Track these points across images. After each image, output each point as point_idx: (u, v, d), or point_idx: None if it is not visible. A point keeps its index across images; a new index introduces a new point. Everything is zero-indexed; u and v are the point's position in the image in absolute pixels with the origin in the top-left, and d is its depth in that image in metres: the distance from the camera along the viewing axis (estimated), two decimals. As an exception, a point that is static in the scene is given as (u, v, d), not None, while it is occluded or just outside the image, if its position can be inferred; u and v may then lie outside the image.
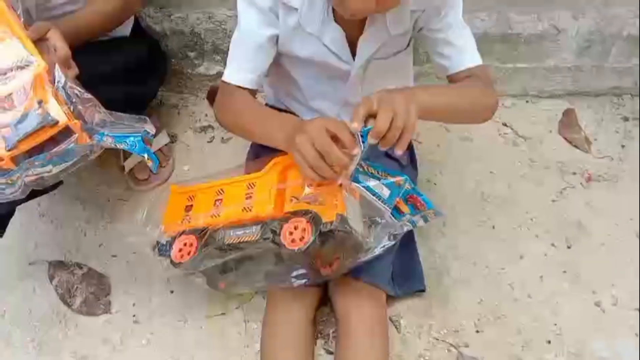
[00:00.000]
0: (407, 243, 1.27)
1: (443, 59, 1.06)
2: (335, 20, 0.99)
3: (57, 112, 0.86)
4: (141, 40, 1.34)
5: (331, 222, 0.88)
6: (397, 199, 1.00)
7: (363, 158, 0.91)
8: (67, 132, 0.89)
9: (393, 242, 0.99)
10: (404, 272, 1.24)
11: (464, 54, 1.05)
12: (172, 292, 1.23)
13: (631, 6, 1.49)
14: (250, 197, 0.96)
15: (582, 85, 1.64)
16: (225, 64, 1.05)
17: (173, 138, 1.48)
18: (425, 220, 1.05)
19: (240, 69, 1.04)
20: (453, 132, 1.55)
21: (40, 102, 0.86)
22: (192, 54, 1.52)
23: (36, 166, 0.89)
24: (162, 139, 1.43)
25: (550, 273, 1.29)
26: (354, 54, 1.04)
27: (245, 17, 1.01)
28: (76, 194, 1.36)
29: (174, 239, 0.98)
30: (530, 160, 1.50)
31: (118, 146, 0.93)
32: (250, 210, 0.94)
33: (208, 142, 1.49)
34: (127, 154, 1.39)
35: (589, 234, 1.36)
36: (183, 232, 0.98)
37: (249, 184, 0.98)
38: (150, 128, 0.97)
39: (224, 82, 1.05)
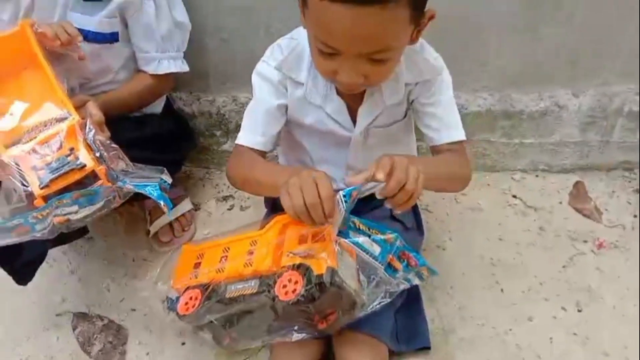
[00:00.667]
0: (412, 301, 1.30)
1: (430, 131, 1.15)
2: (338, 93, 1.10)
3: (86, 158, 1.01)
4: (171, 118, 1.51)
5: (321, 275, 0.92)
6: (390, 256, 1.04)
7: (349, 212, 0.98)
8: (93, 176, 1.02)
9: (389, 300, 1.02)
10: (408, 329, 1.25)
11: (450, 129, 1.14)
12: (183, 343, 1.28)
13: (630, 84, 1.58)
14: (252, 253, 1.03)
15: (592, 159, 1.69)
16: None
17: (196, 206, 1.60)
18: (420, 278, 1.08)
19: (252, 132, 1.14)
20: (462, 202, 1.61)
21: (72, 149, 1.01)
22: (218, 133, 1.67)
23: (64, 205, 1.01)
24: (186, 206, 1.55)
25: (560, 335, 1.28)
26: (355, 122, 1.15)
27: (259, 89, 1.14)
28: (104, 255, 1.47)
29: (181, 293, 1.06)
30: (540, 229, 1.53)
31: (138, 191, 1.04)
32: (250, 265, 1.00)
33: (228, 209, 1.60)
34: (153, 218, 1.51)
35: (600, 298, 1.35)
36: (189, 287, 1.05)
37: (252, 242, 1.05)
38: (167, 178, 1.10)
39: (237, 144, 1.16)
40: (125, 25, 1.29)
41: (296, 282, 0.94)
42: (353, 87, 1.00)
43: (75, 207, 1.02)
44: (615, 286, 1.37)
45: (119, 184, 1.03)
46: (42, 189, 0.97)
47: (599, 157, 1.68)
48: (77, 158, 1.00)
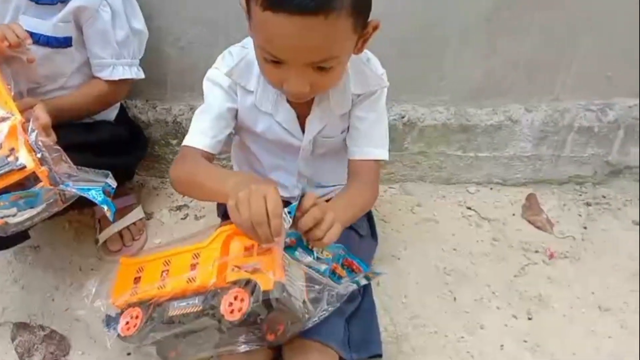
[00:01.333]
0: (365, 309, 1.28)
1: (350, 141, 1.17)
2: (287, 101, 1.10)
3: (26, 159, 0.97)
4: (124, 125, 1.48)
5: (268, 291, 0.89)
6: (334, 265, 1.04)
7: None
8: (34, 178, 0.99)
9: (337, 304, 1.01)
10: (360, 337, 1.23)
11: (370, 146, 1.16)
12: (129, 354, 1.24)
13: (580, 100, 1.63)
14: (195, 267, 0.99)
15: (544, 173, 1.72)
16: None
17: (149, 215, 1.57)
18: (368, 280, 1.08)
19: (201, 134, 1.12)
20: (418, 213, 1.62)
21: (12, 150, 0.97)
22: (174, 142, 1.65)
23: (1, 207, 0.98)
24: (137, 214, 1.51)
25: (510, 342, 1.28)
26: (304, 130, 1.15)
27: (209, 93, 1.14)
28: (50, 262, 1.42)
29: (121, 311, 1.02)
30: (493, 240, 1.55)
31: (81, 194, 1.01)
32: (194, 280, 0.96)
33: (182, 219, 1.58)
34: (102, 227, 1.47)
35: (550, 307, 1.37)
36: (129, 305, 1.01)
37: (194, 254, 1.01)
38: (112, 182, 1.07)
39: (184, 146, 1.13)
40: (80, 30, 1.27)
41: (242, 300, 0.90)
42: (300, 95, 1.00)
43: (13, 210, 0.99)
44: (565, 295, 1.39)
45: (61, 186, 1.00)
46: None
47: (551, 171, 1.72)
48: (17, 159, 0.97)
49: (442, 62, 1.53)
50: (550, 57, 1.53)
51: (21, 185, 0.98)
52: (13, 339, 1.25)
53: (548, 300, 1.38)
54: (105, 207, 1.02)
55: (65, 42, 1.26)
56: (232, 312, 0.90)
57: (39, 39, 1.22)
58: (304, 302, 0.95)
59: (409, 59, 1.49)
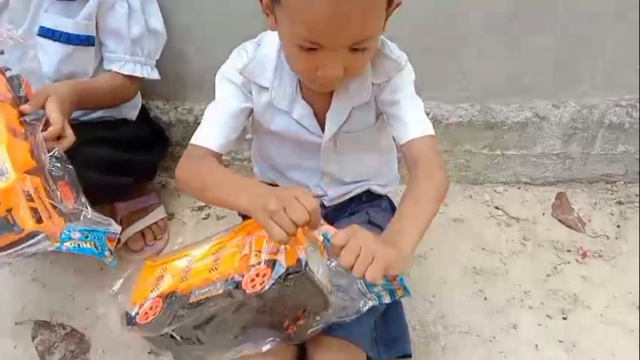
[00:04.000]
0: (393, 308, 1.24)
1: (395, 130, 1.10)
2: (303, 98, 1.07)
3: (24, 221, 0.90)
4: (145, 124, 1.47)
5: (291, 266, 0.85)
6: None
7: None
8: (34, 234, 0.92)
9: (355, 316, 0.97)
10: (388, 337, 1.19)
11: (409, 126, 1.07)
12: (149, 352, 1.21)
13: (610, 96, 1.58)
14: (218, 258, 0.96)
15: (574, 172, 1.67)
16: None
17: (170, 216, 1.55)
18: (392, 297, 1.01)
19: (211, 133, 1.08)
20: (445, 213, 1.57)
21: (9, 210, 0.90)
22: (195, 142, 1.63)
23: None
24: (159, 213, 1.50)
25: (545, 342, 1.24)
26: (323, 127, 1.11)
27: (221, 89, 1.10)
28: (71, 261, 1.40)
29: (141, 307, 0.97)
30: (523, 239, 1.50)
31: (82, 245, 0.97)
32: (216, 269, 0.93)
33: (203, 219, 1.55)
34: (125, 226, 1.45)
35: (585, 306, 1.32)
36: (149, 299, 0.96)
37: (219, 248, 0.99)
38: (116, 228, 1.02)
39: (192, 144, 1.08)
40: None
41: (264, 275, 0.87)
42: (334, 80, 0.96)
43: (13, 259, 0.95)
44: (600, 294, 1.34)
45: (65, 232, 0.95)
46: None
47: (581, 169, 1.67)
48: (14, 221, 0.90)
49: (466, 57, 1.50)
50: (577, 51, 1.49)
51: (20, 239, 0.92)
52: (34, 337, 1.23)
53: (583, 300, 1.33)
54: (107, 253, 0.99)
55: (87, 41, 1.26)
56: (253, 286, 0.87)
57: (60, 37, 1.22)
58: (326, 288, 0.91)
59: (431, 54, 1.46)
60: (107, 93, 1.29)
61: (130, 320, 0.99)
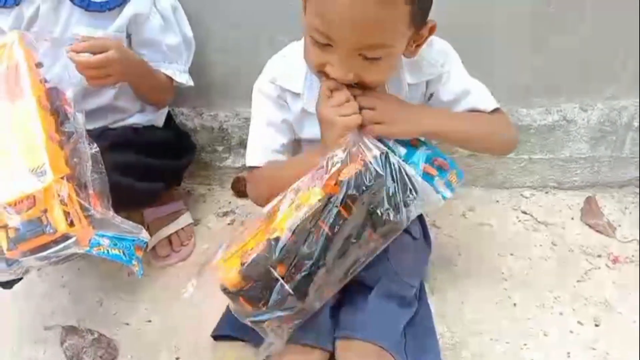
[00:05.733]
0: (422, 317, 1.24)
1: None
2: None
3: (57, 223, 0.92)
4: (171, 130, 1.48)
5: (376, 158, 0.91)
6: (423, 165, 1.01)
7: None
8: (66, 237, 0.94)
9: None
10: (418, 345, 1.18)
11: (478, 104, 1.12)
12: (177, 358, 1.21)
13: (637, 99, 1.55)
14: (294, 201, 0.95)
15: (603, 176, 1.64)
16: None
17: (196, 222, 1.55)
18: (451, 189, 1.04)
19: (264, 150, 1.12)
20: (470, 218, 1.56)
21: (44, 211, 0.92)
22: (220, 148, 1.64)
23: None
24: (186, 219, 1.50)
25: (577, 350, 1.20)
26: None
27: (260, 105, 1.13)
28: (98, 269, 1.41)
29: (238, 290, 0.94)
30: (552, 244, 1.47)
31: (111, 251, 1.00)
32: (299, 200, 0.93)
33: (228, 224, 1.56)
34: (151, 232, 1.46)
35: (618, 313, 1.28)
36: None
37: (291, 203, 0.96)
38: (145, 236, 1.06)
39: (251, 167, 1.12)
40: (130, 41, 1.28)
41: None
42: (342, 82, 0.97)
43: (43, 263, 0.97)
44: (633, 300, 1.30)
45: (94, 238, 0.98)
46: (8, 251, 0.92)
47: (609, 173, 1.63)
48: (48, 222, 0.92)
49: (489, 59, 1.47)
50: (604, 52, 1.46)
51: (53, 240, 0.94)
52: (62, 343, 1.23)
53: (615, 306, 1.29)
54: (134, 262, 1.03)
55: None
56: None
57: None
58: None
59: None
60: (152, 82, 1.30)
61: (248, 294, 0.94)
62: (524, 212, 1.58)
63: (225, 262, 0.96)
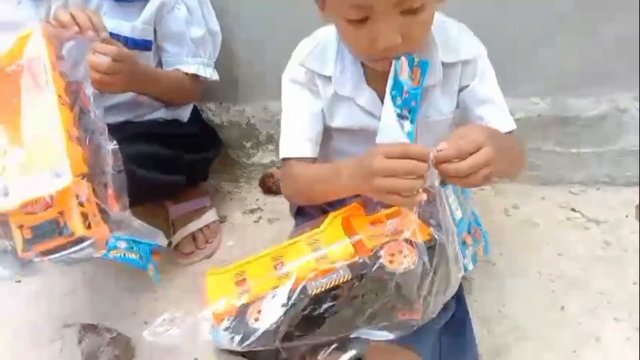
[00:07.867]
0: (460, 320, 1.13)
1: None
2: (368, 83, 1.01)
3: (74, 225, 0.89)
4: (197, 124, 1.43)
5: (431, 239, 0.82)
6: (465, 234, 0.95)
7: None
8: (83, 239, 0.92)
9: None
10: (454, 350, 1.08)
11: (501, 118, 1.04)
12: (196, 359, 1.15)
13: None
14: (319, 249, 0.90)
15: (659, 170, 1.51)
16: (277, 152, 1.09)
17: (222, 219, 1.50)
18: (474, 263, 0.97)
19: (296, 140, 1.06)
20: (514, 216, 1.45)
21: (61, 213, 0.89)
22: (248, 144, 1.59)
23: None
24: (211, 216, 1.45)
25: (634, 358, 1.08)
26: None
27: (290, 93, 1.07)
28: (120, 266, 1.33)
29: (235, 315, 0.90)
30: (605, 243, 1.35)
31: (127, 255, 0.98)
32: (326, 258, 0.87)
33: (255, 221, 1.50)
34: (176, 229, 1.41)
35: (681, 319, 1.15)
36: (244, 306, 0.89)
37: (312, 240, 0.92)
38: (163, 241, 1.04)
39: (284, 159, 1.07)
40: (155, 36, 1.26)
41: (406, 254, 0.83)
42: (392, 50, 0.89)
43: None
44: (698, 305, 1.17)
45: (111, 240, 0.95)
46: (23, 252, 0.90)
47: (667, 168, 1.50)
48: (65, 223, 0.89)
49: (535, 46, 1.38)
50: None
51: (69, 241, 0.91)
52: (80, 341, 1.19)
53: (676, 311, 1.17)
54: (150, 266, 1.01)
55: (144, 45, 1.24)
56: (391, 262, 0.83)
57: (118, 40, 1.20)
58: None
59: (495, 42, 1.35)
60: (168, 83, 1.27)
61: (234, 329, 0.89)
62: (573, 210, 1.46)
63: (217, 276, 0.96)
